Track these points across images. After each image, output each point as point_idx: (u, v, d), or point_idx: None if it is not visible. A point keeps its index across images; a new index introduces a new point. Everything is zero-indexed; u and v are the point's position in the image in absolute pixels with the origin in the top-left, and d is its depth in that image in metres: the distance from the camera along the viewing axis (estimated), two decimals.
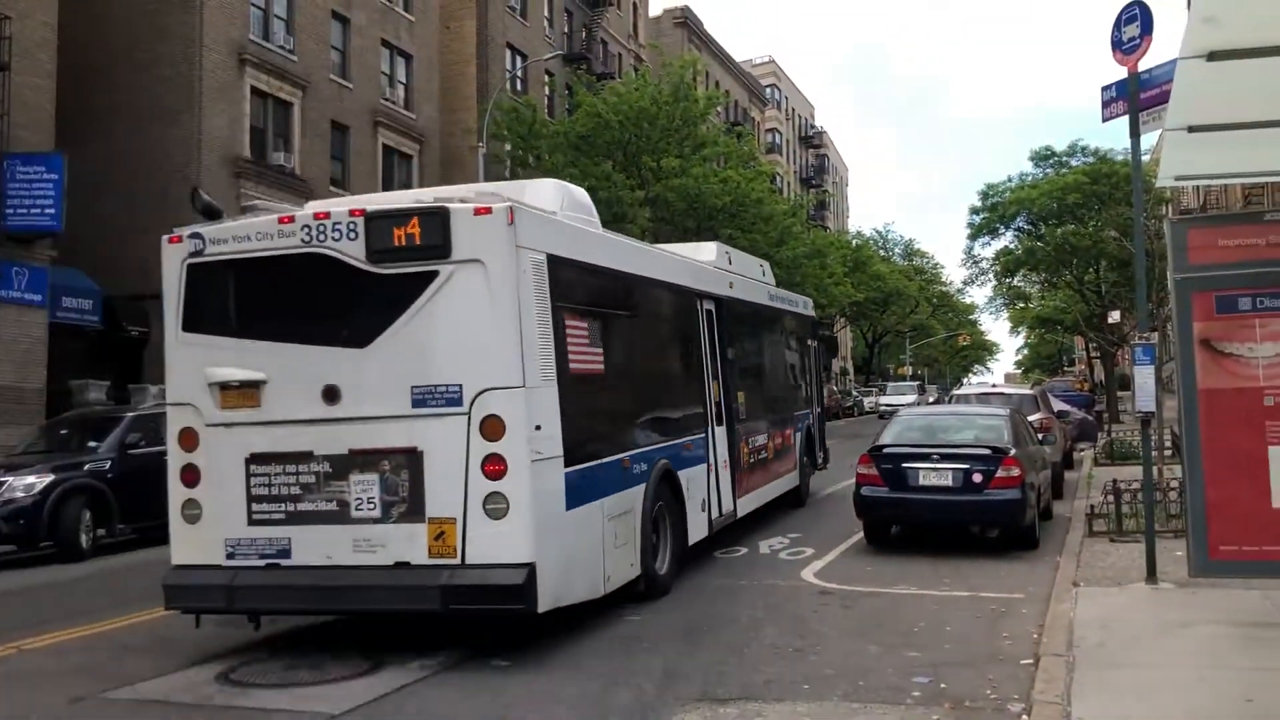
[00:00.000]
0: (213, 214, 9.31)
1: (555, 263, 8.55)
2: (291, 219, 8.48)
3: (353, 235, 8.16)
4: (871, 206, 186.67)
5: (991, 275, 53.08)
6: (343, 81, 33.91)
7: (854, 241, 77.98)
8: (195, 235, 8.92)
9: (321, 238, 8.28)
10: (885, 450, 12.91)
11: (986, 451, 12.39)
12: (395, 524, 8.04)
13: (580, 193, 11.44)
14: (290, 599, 8.50)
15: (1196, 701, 6.31)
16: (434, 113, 38.72)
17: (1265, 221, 8.06)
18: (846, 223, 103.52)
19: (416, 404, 7.99)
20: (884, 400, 58.32)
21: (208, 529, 8.63)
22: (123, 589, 12.33)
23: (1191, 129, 6.77)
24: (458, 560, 7.88)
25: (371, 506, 8.09)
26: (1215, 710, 6.15)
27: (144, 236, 27.98)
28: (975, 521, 12.70)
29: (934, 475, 12.37)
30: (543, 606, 7.93)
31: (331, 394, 8.23)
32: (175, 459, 8.82)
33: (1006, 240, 49.32)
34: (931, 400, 53.12)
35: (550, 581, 8.03)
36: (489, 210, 7.98)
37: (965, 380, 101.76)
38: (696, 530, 11.80)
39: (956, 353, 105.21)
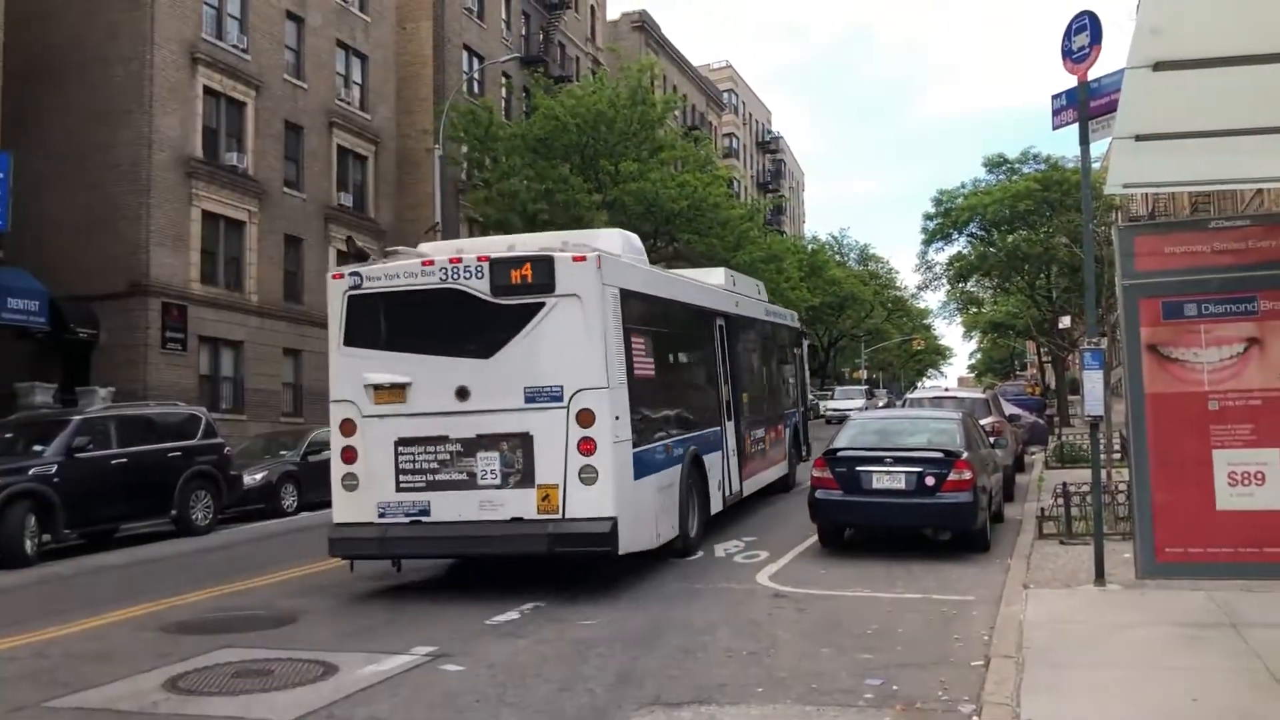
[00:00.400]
0: (363, 257, 13.76)
1: (624, 294, 11.38)
2: (432, 262, 11.07)
3: (480, 275, 10.78)
4: (827, 211, 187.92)
5: (945, 280, 53.74)
6: (297, 81, 33.62)
7: (810, 246, 78.45)
8: (355, 273, 11.34)
9: (455, 277, 10.89)
10: (840, 454, 12.99)
11: (939, 455, 12.50)
12: (512, 489, 10.66)
13: (634, 238, 14.21)
14: (429, 547, 11.40)
15: (1143, 701, 6.40)
16: (390, 114, 38.47)
17: (1210, 229, 8.19)
18: (803, 227, 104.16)
19: (528, 400, 10.65)
20: (830, 405, 55.63)
21: (363, 495, 11.06)
22: (69, 595, 12.14)
23: (1139, 137, 6.85)
24: (560, 516, 10.51)
25: (493, 476, 10.70)
26: (1161, 709, 6.24)
27: (93, 237, 27.79)
28: (928, 524, 12.81)
29: (887, 478, 12.47)
30: (621, 550, 10.62)
31: (463, 393, 10.83)
32: (337, 441, 11.23)
33: (960, 246, 49.97)
34: (882, 404, 53.06)
35: (625, 532, 10.64)
36: (584, 258, 10.76)
37: (919, 384, 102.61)
38: (715, 505, 14.36)
39: (911, 357, 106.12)
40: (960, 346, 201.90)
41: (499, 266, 10.79)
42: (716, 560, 12.79)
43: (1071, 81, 10.74)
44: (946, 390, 28.96)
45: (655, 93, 42.92)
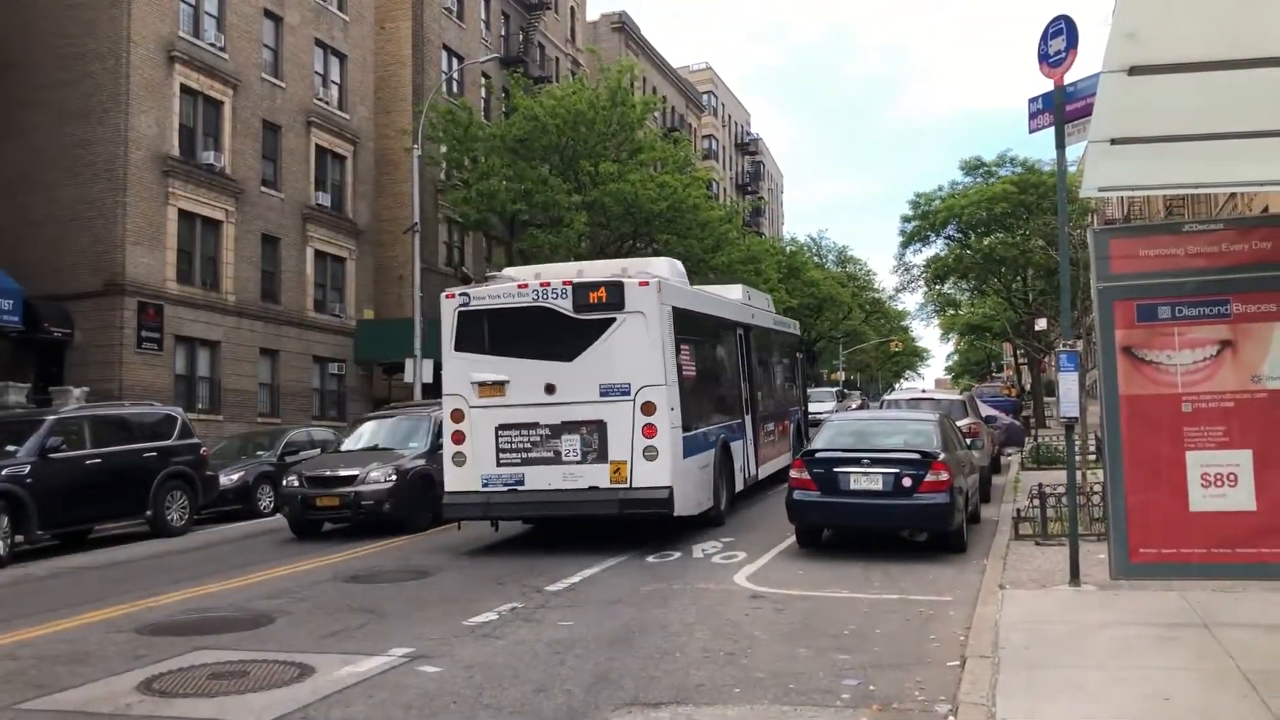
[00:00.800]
0: (468, 280, 14.86)
1: (675, 311, 14.21)
2: (526, 285, 13.96)
3: (564, 296, 13.55)
4: (806, 213, 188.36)
5: (922, 282, 53.96)
6: (275, 80, 33.45)
7: (788, 248, 78.64)
8: (464, 294, 14.27)
9: (544, 297, 13.66)
10: (817, 454, 13.04)
11: (916, 456, 12.55)
12: (589, 464, 13.39)
13: (678, 264, 17.30)
14: (523, 510, 14.20)
15: (1116, 701, 6.45)
16: (368, 114, 38.34)
17: (1184, 232, 8.26)
18: (781, 229, 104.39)
19: (603, 394, 13.37)
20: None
21: (469, 469, 13.79)
22: (43, 597, 12.04)
23: (1114, 141, 6.89)
24: (628, 485, 13.27)
25: (575, 454, 13.44)
26: (1134, 709, 6.29)
27: (68, 235, 27.58)
28: (905, 525, 12.87)
29: (864, 479, 12.51)
30: (675, 513, 13.45)
31: (550, 388, 13.53)
32: (448, 426, 14.02)
33: (937, 248, 50.17)
34: (855, 406, 52.45)
35: (678, 499, 13.40)
36: (647, 283, 13.61)
37: (896, 385, 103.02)
38: (738, 484, 17.15)
39: (889, 358, 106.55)
40: (937, 348, 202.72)
41: (580, 289, 13.59)
42: (694, 560, 12.81)
43: (1048, 85, 10.82)
44: (923, 392, 29.10)
45: (635, 94, 42.92)
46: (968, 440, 16.81)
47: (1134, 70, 5.47)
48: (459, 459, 13.89)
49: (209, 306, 30.37)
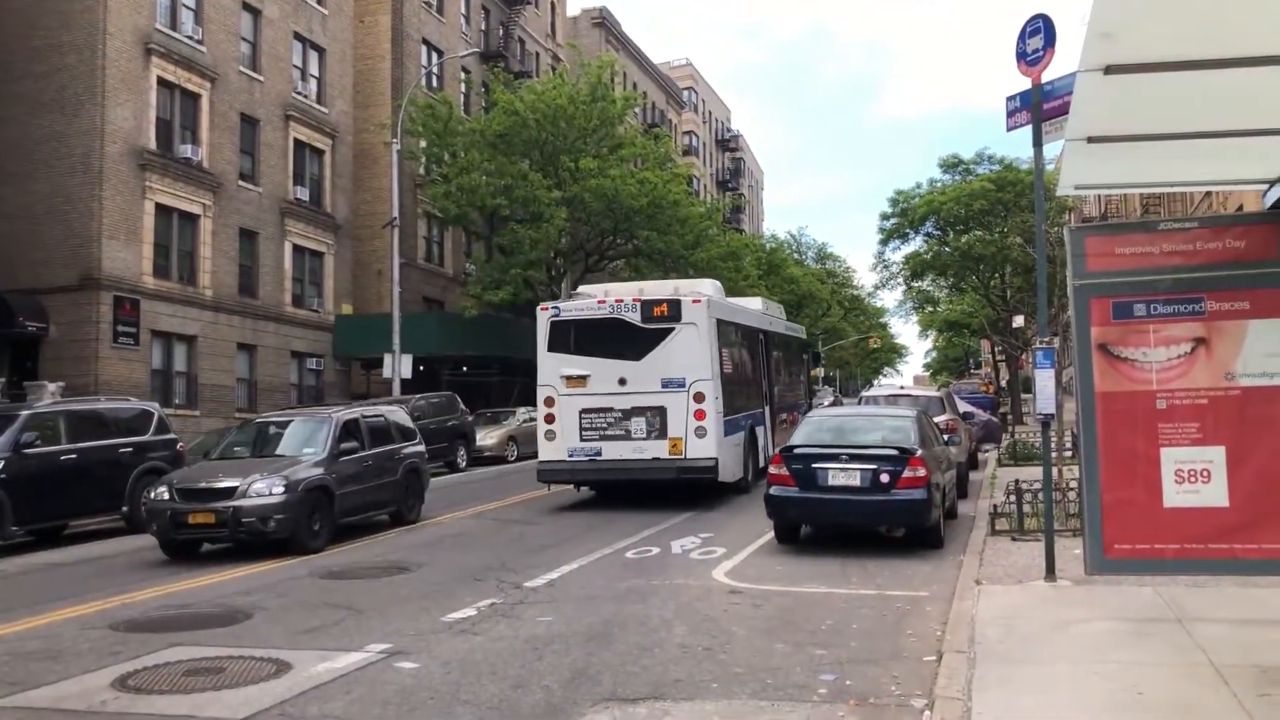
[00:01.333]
0: (556, 297, 19.72)
1: (719, 322, 18.13)
2: (604, 301, 17.96)
3: (634, 310, 17.37)
4: (785, 210, 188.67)
5: (901, 279, 54.12)
6: (253, 74, 33.26)
7: (768, 244, 78.77)
8: (555, 307, 18.20)
9: (618, 311, 17.50)
10: (796, 450, 13.07)
11: (893, 452, 12.61)
12: (652, 440, 17.13)
13: (718, 284, 22.08)
14: (601, 475, 17.92)
15: (1090, 694, 6.50)
16: (347, 108, 38.17)
17: (1159, 231, 8.32)
18: (761, 226, 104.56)
19: (663, 386, 17.08)
20: None
21: (558, 443, 17.56)
22: (16, 593, 11.94)
23: (1090, 140, 6.93)
24: (683, 457, 16.92)
25: (641, 432, 17.19)
26: (1108, 702, 6.34)
27: (43, 229, 27.35)
28: (882, 521, 12.92)
29: (842, 475, 12.56)
30: (720, 479, 17.28)
31: (622, 381, 17.22)
32: (542, 410, 17.82)
33: (916, 245, 50.33)
34: (828, 403, 51.89)
35: (721, 469, 17.24)
36: (699, 301, 17.54)
37: (875, 382, 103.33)
38: (760, 462, 19.97)
39: (868, 355, 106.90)
40: (916, 345, 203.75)
41: (646, 305, 17.51)
42: (673, 556, 12.82)
43: (1026, 84, 10.88)
44: (901, 388, 29.17)
45: (615, 90, 42.87)
46: (945, 436, 16.89)
47: (1110, 69, 5.50)
48: (550, 435, 17.83)
49: (186, 301, 30.18)
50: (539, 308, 18.48)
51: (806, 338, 31.56)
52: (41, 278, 27.27)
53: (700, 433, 17.00)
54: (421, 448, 17.81)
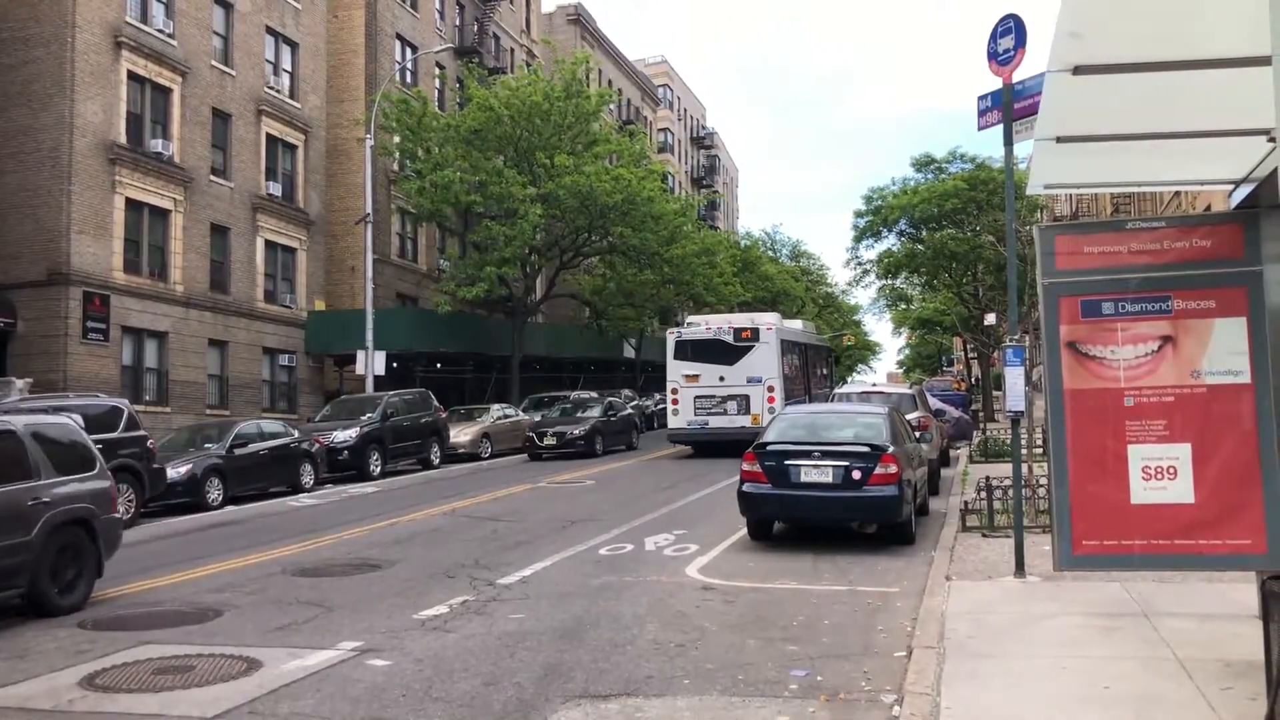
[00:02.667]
0: (679, 323, 34.64)
1: (781, 341, 28.01)
2: (709, 327, 28.26)
3: (729, 334, 27.61)
4: (760, 207, 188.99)
5: (874, 277, 54.33)
6: (225, 68, 33.01)
7: (743, 242, 78.90)
8: (677, 330, 29.09)
9: (719, 334, 27.71)
10: (769, 447, 13.11)
11: (866, 449, 12.68)
12: (740, 416, 26.89)
13: (779, 316, 31.63)
14: (707, 437, 27.27)
15: (1058, 689, 6.57)
16: (320, 103, 37.94)
17: (1127, 230, 8.37)
18: (736, 223, 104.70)
19: (748, 382, 26.94)
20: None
21: (680, 418, 27.61)
22: None
23: (1060, 139, 6.98)
24: (762, 427, 18.16)
25: (733, 411, 27.08)
26: (1075, 696, 6.41)
27: (10, 223, 27.05)
28: (854, 517, 12.99)
29: (815, 472, 12.62)
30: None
31: (721, 378, 27.15)
32: (670, 397, 28.01)
33: (889, 243, 50.53)
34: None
35: None
36: (770, 328, 27.75)
37: (848, 379, 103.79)
38: None
39: (841, 352, 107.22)
40: (889, 342, 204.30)
41: (736, 330, 27.35)
42: (647, 553, 12.84)
43: (997, 83, 10.95)
44: (874, 385, 29.36)
45: (590, 86, 42.81)
46: (917, 433, 16.99)
47: (1078, 70, 5.55)
48: (675, 413, 27.95)
49: (157, 297, 29.94)
50: (668, 331, 30.59)
51: (830, 346, 45.38)
52: (9, 273, 26.98)
53: (771, 411, 24.89)
54: (98, 485, 11.32)
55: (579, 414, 31.82)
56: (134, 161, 29.08)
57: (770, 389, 26.73)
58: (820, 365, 36.28)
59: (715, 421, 27.00)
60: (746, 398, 26.97)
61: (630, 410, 34.81)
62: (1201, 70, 5.63)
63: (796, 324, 34.76)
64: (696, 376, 27.31)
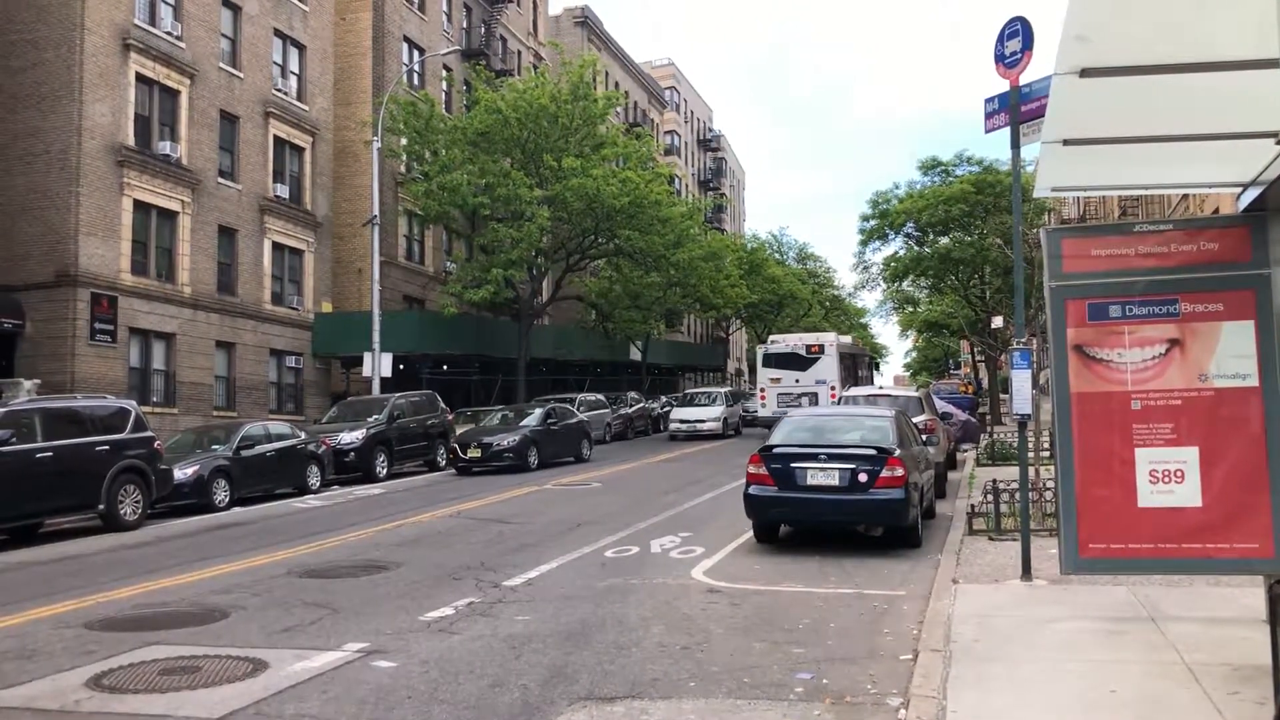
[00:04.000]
0: (763, 341, 43.25)
1: (839, 354, 36.74)
2: (788, 344, 37.32)
3: (802, 349, 36.47)
4: (767, 209, 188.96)
5: (881, 280, 54.28)
6: (233, 70, 33.09)
7: (749, 244, 78.88)
8: (764, 345, 39.36)
9: (795, 349, 36.60)
10: (775, 450, 13.09)
11: (872, 452, 12.66)
12: (811, 407, 30.91)
13: (838, 334, 42.33)
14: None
15: (1064, 692, 6.55)
16: (327, 105, 38.01)
17: (1134, 233, 8.37)
18: (743, 225, 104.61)
19: (816, 383, 35.29)
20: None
21: (767, 408, 35.57)
22: None
23: (1066, 142, 6.97)
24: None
25: (807, 403, 33.31)
26: (1081, 700, 6.39)
27: (19, 225, 27.14)
28: (861, 520, 12.97)
29: (821, 475, 12.60)
30: None
31: (797, 380, 35.76)
32: (759, 394, 38.00)
33: (896, 246, 50.48)
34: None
35: None
36: (832, 345, 36.60)
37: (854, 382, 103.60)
38: None
39: None
40: (896, 345, 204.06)
41: (808, 346, 36.16)
42: (652, 555, 12.84)
43: (1004, 86, 10.94)
44: (881, 388, 29.33)
45: (597, 89, 42.84)
46: (924, 437, 16.96)
47: (1085, 73, 5.54)
48: (763, 405, 35.90)
49: (164, 298, 30.01)
50: (759, 346, 40.89)
51: (868, 352, 57.06)
52: (18, 274, 27.07)
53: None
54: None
55: (517, 422, 28.41)
56: (142, 163, 29.16)
57: (832, 388, 34.20)
58: (862, 368, 44.41)
59: (793, 409, 32.35)
60: (815, 394, 34.41)
61: (580, 418, 31.46)
62: (1209, 73, 5.61)
63: (847, 339, 43.61)
64: (779, 379, 36.00)
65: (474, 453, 26.18)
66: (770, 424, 32.47)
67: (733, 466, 23.28)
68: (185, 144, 30.82)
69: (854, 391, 25.29)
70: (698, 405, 41.64)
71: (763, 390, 36.84)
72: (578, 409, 36.75)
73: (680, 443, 37.41)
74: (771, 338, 41.10)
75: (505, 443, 26.31)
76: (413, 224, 42.46)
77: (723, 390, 45.10)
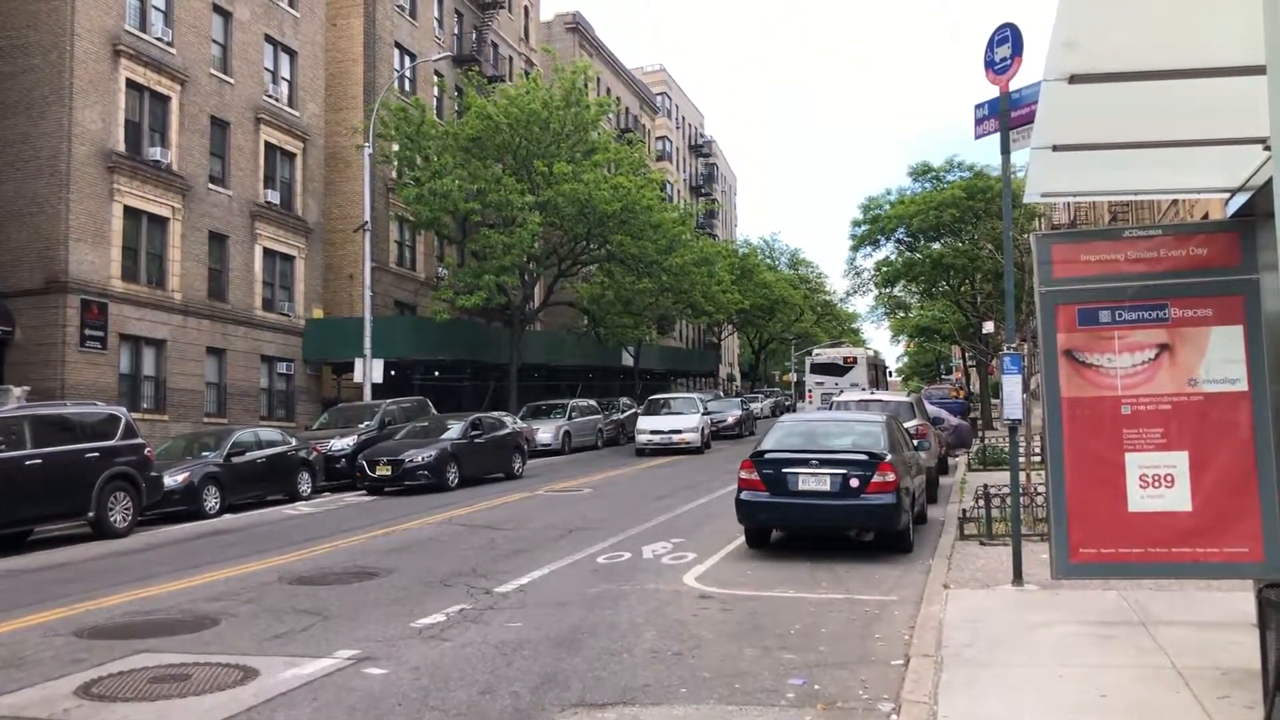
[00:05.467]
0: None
1: (868, 363, 48.85)
2: (828, 357, 49.83)
3: (841, 360, 48.42)
4: (758, 214, 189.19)
5: (872, 285, 54.37)
6: (223, 76, 33.04)
7: (741, 250, 78.97)
8: (809, 354, 56.06)
9: (834, 358, 49.20)
10: (766, 455, 13.09)
11: (863, 457, 12.66)
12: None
13: (868, 348, 60.88)
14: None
15: (1055, 697, 6.56)
16: (319, 111, 37.97)
17: (1124, 238, 8.38)
18: (735, 231, 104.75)
19: (851, 386, 40.61)
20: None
21: (813, 405, 43.35)
22: None
23: (1056, 148, 6.99)
24: None
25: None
26: (1072, 705, 6.40)
27: (8, 231, 27.07)
28: (852, 525, 12.97)
29: (813, 480, 12.60)
30: None
31: (836, 384, 43.08)
32: (807, 394, 47.51)
33: (887, 252, 50.56)
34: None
35: None
36: (864, 356, 49.66)
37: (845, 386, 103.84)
38: None
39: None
40: (888, 350, 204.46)
41: (845, 357, 48.31)
42: (644, 561, 12.83)
43: (994, 92, 10.97)
44: (872, 393, 29.30)
45: (589, 95, 42.87)
46: (915, 441, 16.98)
47: (1074, 79, 5.56)
48: (810, 403, 43.80)
49: (155, 305, 29.93)
50: (806, 355, 54.48)
51: (884, 361, 67.84)
52: (7, 281, 26.98)
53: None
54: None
55: (437, 434, 25.03)
56: (132, 169, 29.09)
57: (862, 389, 38.16)
58: (881, 374, 54.50)
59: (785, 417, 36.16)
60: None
61: (511, 429, 27.82)
62: (1197, 79, 5.64)
63: (870, 352, 53.89)
64: (822, 383, 44.59)
65: (384, 470, 23.07)
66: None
67: (724, 472, 23.26)
68: (176, 150, 30.76)
69: (845, 396, 25.26)
70: (669, 414, 35.20)
71: (810, 391, 46.16)
72: (569, 415, 36.76)
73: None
74: (815, 351, 53.98)
75: (420, 459, 23.05)
76: (404, 229, 42.43)
77: (695, 397, 40.50)
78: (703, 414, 35.66)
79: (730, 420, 42.84)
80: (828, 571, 11.77)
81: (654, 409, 36.05)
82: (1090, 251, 8.36)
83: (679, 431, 33.47)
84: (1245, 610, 8.15)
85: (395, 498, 22.11)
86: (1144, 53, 5.41)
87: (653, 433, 33.57)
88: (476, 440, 25.11)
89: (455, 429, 25.05)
